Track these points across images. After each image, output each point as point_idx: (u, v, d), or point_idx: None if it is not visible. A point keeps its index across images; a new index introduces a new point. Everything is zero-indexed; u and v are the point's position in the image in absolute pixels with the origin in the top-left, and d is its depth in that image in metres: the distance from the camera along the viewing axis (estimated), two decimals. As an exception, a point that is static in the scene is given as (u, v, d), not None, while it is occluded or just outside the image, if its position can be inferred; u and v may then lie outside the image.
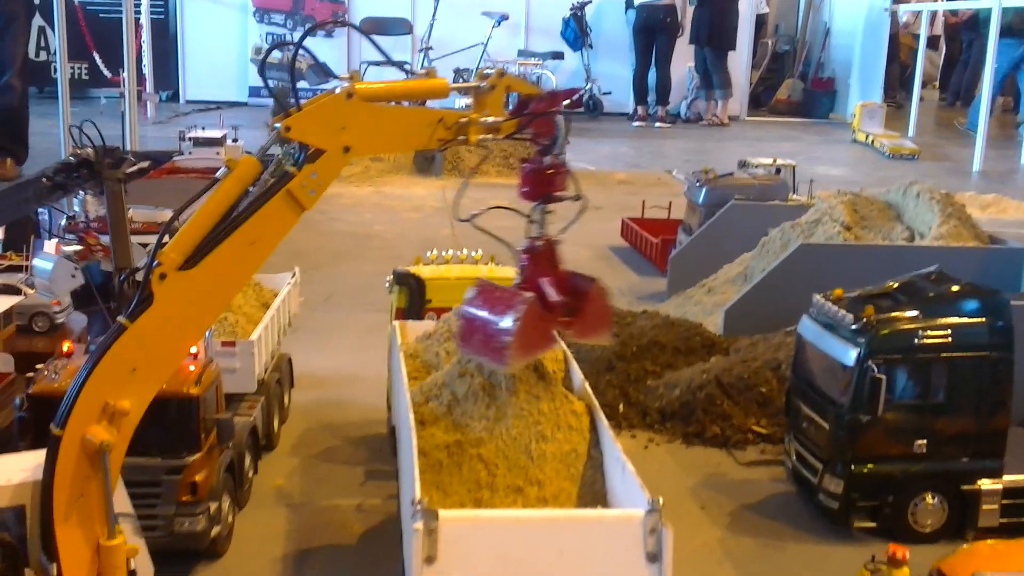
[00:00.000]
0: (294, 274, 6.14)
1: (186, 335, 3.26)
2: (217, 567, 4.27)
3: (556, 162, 3.88)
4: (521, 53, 20.48)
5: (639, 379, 6.01)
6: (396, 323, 4.80)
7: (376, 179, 12.98)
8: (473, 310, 3.68)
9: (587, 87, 20.43)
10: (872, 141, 17.03)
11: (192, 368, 4.21)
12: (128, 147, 13.56)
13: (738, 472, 5.43)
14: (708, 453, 5.62)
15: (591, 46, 20.98)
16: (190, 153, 12.33)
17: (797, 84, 22.33)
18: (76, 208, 7.66)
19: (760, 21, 22.53)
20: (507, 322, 3.51)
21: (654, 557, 2.94)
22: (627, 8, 20.29)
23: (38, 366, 5.15)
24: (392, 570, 4.23)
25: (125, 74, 14.56)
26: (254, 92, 20.95)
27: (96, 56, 18.53)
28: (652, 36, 19.79)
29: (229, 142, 12.67)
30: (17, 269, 6.44)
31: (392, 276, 5.40)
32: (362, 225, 10.76)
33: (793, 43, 23.49)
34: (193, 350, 4.25)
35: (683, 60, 20.35)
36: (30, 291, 6.09)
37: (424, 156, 13.55)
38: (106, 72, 17.96)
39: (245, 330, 5.39)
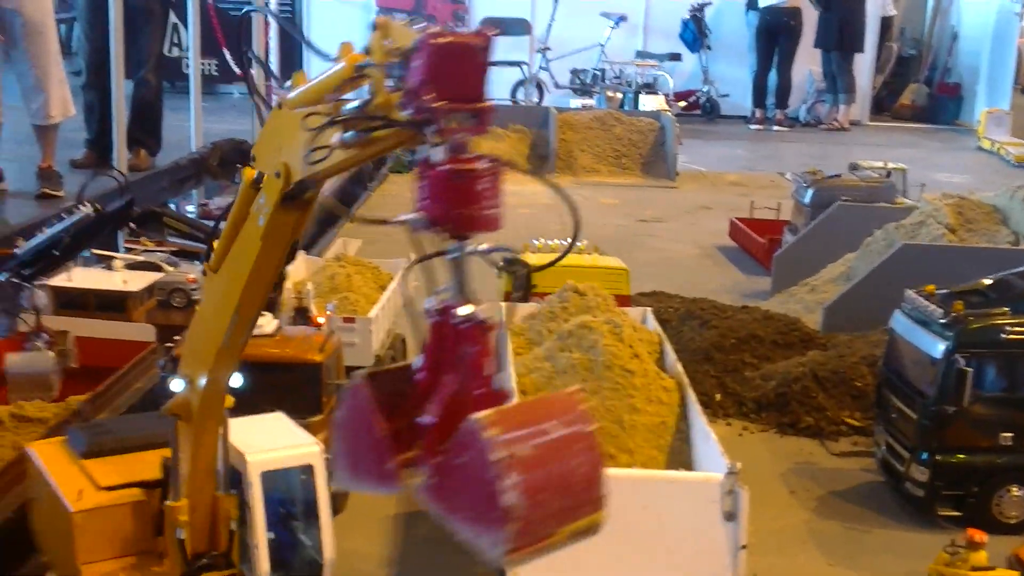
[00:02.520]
0: (409, 259, 6.52)
1: (215, 330, 3.09)
2: (336, 522, 4.66)
3: (473, 162, 2.27)
4: (639, 54, 20.63)
5: (736, 370, 6.22)
6: (503, 304, 5.13)
7: (492, 175, 13.36)
8: (526, 464, 2.02)
9: (704, 89, 20.49)
10: (998, 149, 16.69)
11: (317, 337, 4.61)
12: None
13: (829, 461, 5.60)
14: (801, 443, 5.80)
15: (710, 48, 21.01)
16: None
17: (922, 89, 21.92)
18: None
19: (885, 24, 22.16)
20: (591, 447, 2.13)
21: (731, 516, 3.19)
22: (748, 10, 20.24)
23: (176, 337, 5.68)
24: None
25: (254, 70, 15.27)
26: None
27: (226, 53, 19.40)
28: (774, 38, 19.72)
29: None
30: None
31: (501, 262, 5.73)
32: (476, 219, 11.13)
33: (919, 47, 23.07)
34: (321, 321, 4.66)
35: (804, 63, 20.22)
36: (170, 269, 6.63)
37: (537, 154, 13.91)
38: (235, 68, 18.78)
39: (364, 309, 5.78)
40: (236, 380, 3.20)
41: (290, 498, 3.37)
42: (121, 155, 11.43)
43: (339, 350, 4.80)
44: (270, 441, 3.41)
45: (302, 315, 5.18)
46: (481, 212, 2.30)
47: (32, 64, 10.64)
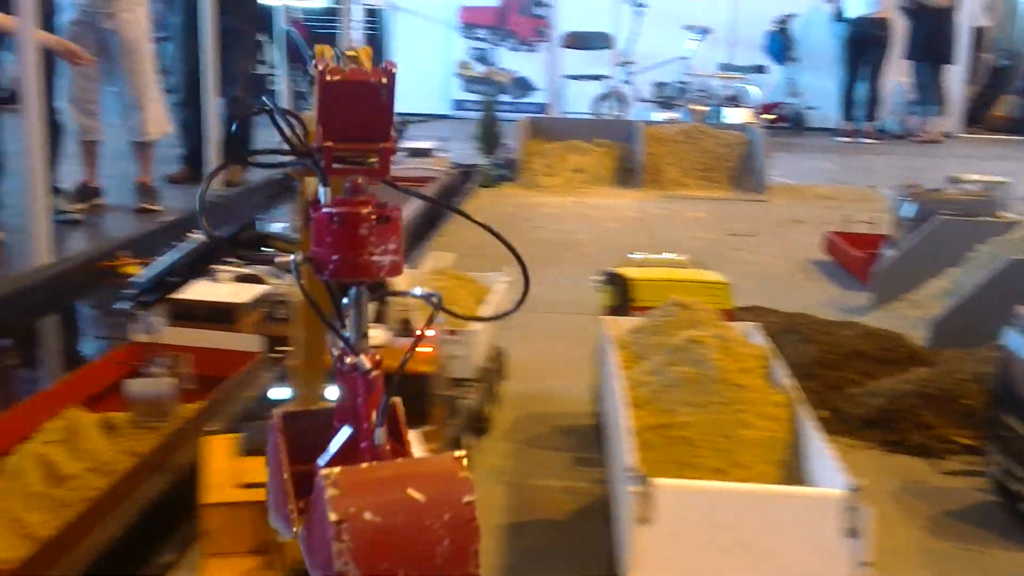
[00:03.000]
0: (507, 273, 6.56)
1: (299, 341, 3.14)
2: (441, 530, 4.71)
3: (360, 207, 2.12)
4: (723, 67, 20.55)
5: (839, 387, 6.12)
6: (606, 317, 5.14)
7: (578, 190, 13.40)
8: (368, 528, 1.95)
9: (791, 101, 20.30)
10: (1098, 162, 16.26)
11: (425, 349, 4.66)
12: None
13: (939, 480, 5.48)
14: (908, 461, 5.68)
15: (796, 59, 20.82)
16: (400, 163, 13.13)
17: (1016, 100, 21.46)
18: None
19: (978, 35, 21.77)
20: (464, 515, 2.00)
21: (853, 533, 3.15)
22: (836, 20, 20.03)
23: (279, 348, 5.82)
24: (599, 543, 4.57)
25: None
26: (457, 105, 21.80)
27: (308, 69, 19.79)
28: (863, 49, 19.50)
29: (437, 153, 13.42)
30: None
31: (601, 276, 5.75)
32: (564, 233, 11.18)
33: (1013, 58, 22.59)
34: (431, 333, 4.71)
35: (893, 74, 19.93)
36: (274, 281, 6.77)
37: (623, 167, 13.92)
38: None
39: (463, 322, 5.83)
40: (331, 392, 3.28)
41: None
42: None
43: (446, 362, 4.85)
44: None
45: (406, 328, 5.24)
46: (361, 259, 2.12)
47: (129, 83, 11.01)
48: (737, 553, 3.28)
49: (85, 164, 10.88)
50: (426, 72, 21.52)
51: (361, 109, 2.12)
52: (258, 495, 3.44)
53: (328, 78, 2.09)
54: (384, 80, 2.11)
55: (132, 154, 11.15)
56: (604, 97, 20.19)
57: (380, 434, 2.12)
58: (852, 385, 6.12)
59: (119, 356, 6.31)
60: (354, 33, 18.86)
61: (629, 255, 6.00)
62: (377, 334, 4.76)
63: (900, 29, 19.44)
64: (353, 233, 2.11)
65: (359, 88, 2.10)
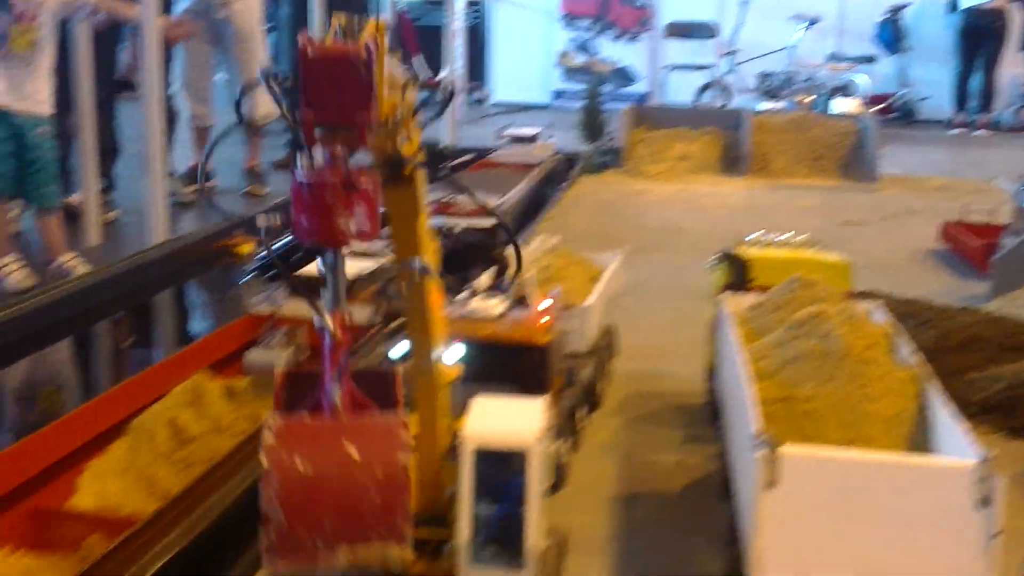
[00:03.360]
0: (619, 254, 6.59)
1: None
2: (559, 498, 4.76)
3: (334, 176, 2.26)
4: (831, 57, 20.17)
5: (959, 372, 6.00)
6: (725, 294, 5.13)
7: (683, 177, 13.32)
8: (298, 475, 2.12)
9: (901, 92, 19.85)
10: None
11: (543, 321, 4.72)
12: (448, 143, 14.68)
13: (1062, 468, 5.34)
14: (1030, 448, 5.56)
15: (907, 50, 20.34)
16: (506, 149, 13.22)
17: None
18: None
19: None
20: (396, 473, 2.15)
21: (984, 503, 3.11)
22: (950, 11, 19.51)
23: (395, 322, 5.96)
24: (713, 517, 4.58)
25: (446, 75, 15.77)
26: (557, 95, 21.79)
27: (415, 60, 20.06)
28: (978, 41, 18.96)
29: (542, 139, 13.47)
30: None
31: (717, 255, 5.73)
32: (670, 220, 11.14)
33: None
34: (547, 304, 4.78)
35: (1009, 66, 19.34)
36: (388, 257, 6.91)
37: (729, 156, 13.79)
38: (421, 76, 19.37)
39: (576, 300, 5.88)
40: (449, 355, 3.39)
41: (505, 479, 3.43)
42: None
43: (563, 334, 4.91)
44: (498, 422, 3.49)
45: (522, 303, 5.31)
46: (327, 224, 2.24)
47: (241, 70, 11.30)
48: (864, 522, 3.25)
49: (197, 149, 11.21)
50: (526, 62, 21.61)
51: (341, 82, 2.20)
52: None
53: (308, 53, 2.19)
54: (363, 56, 2.21)
55: (242, 139, 11.44)
56: (707, 87, 20.00)
57: (334, 391, 2.23)
58: (972, 370, 5.99)
59: (240, 327, 6.51)
60: (456, 24, 19.01)
61: (751, 236, 5.97)
62: (496, 305, 4.85)
63: (1017, 20, 18.88)
64: (319, 200, 2.24)
65: (338, 63, 2.19)
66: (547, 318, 4.79)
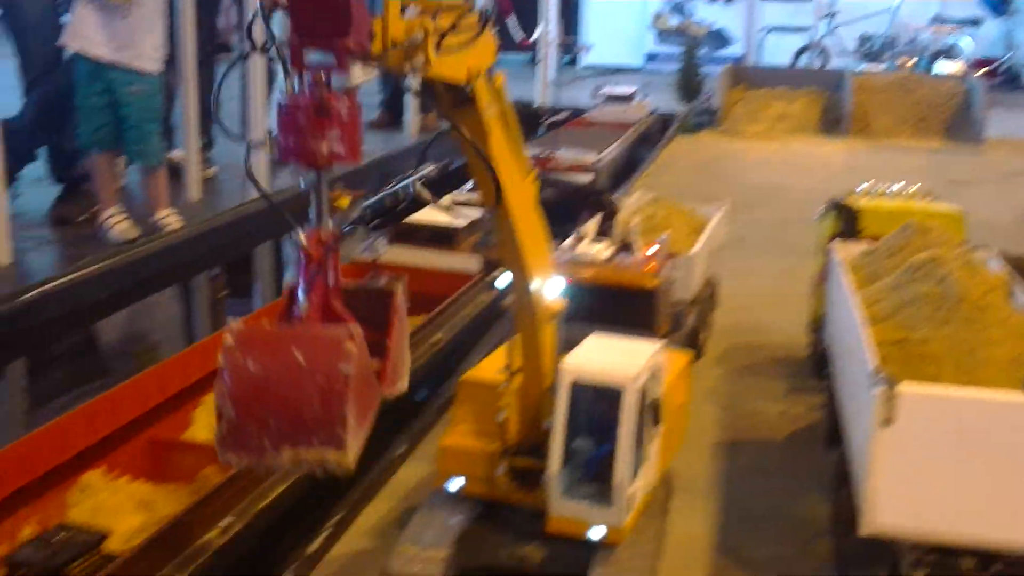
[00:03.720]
0: (723, 205, 6.53)
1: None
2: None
3: (327, 98, 2.34)
4: (935, 19, 19.59)
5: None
6: (835, 243, 5.07)
7: (782, 138, 13.14)
8: (247, 376, 2.19)
9: (1007, 56, 19.21)
10: None
11: (651, 266, 4.73)
12: (540, 103, 14.66)
13: None
14: None
15: (1014, 13, 19.65)
16: (601, 108, 13.14)
17: None
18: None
19: None
20: (335, 380, 2.16)
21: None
22: (1061, -30, 18.80)
23: (496, 271, 5.99)
24: (817, 466, 4.56)
25: (539, 37, 15.71)
26: (650, 58, 21.52)
27: (510, 21, 19.98)
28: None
29: (638, 99, 13.36)
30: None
31: (826, 205, 5.66)
32: (769, 180, 11.00)
33: None
34: (655, 250, 4.79)
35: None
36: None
37: (830, 117, 13.54)
38: (514, 36, 19.27)
39: (680, 250, 5.86)
40: (549, 289, 3.41)
41: (601, 416, 3.43)
42: (413, 116, 12.12)
43: (671, 279, 4.91)
44: (599, 357, 3.51)
45: (627, 249, 5.32)
46: (302, 144, 2.30)
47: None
48: (981, 460, 3.21)
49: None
50: (620, 25, 21.41)
51: (321, 9, 2.24)
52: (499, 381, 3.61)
53: None
54: None
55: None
56: (804, 50, 19.59)
57: (302, 301, 2.31)
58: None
59: (347, 274, 6.62)
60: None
61: (861, 187, 5.87)
62: (602, 251, 4.87)
63: None
64: (293, 121, 2.31)
65: None
66: (655, 264, 4.80)
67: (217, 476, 4.52)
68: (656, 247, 4.88)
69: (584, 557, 3.43)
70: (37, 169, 7.59)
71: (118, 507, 4.35)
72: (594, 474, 3.42)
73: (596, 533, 3.40)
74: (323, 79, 2.34)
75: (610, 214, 4.91)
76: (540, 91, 15.02)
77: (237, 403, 2.17)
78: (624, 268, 4.69)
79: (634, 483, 3.43)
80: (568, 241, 5.10)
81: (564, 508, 3.42)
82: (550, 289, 3.45)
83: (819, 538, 4.10)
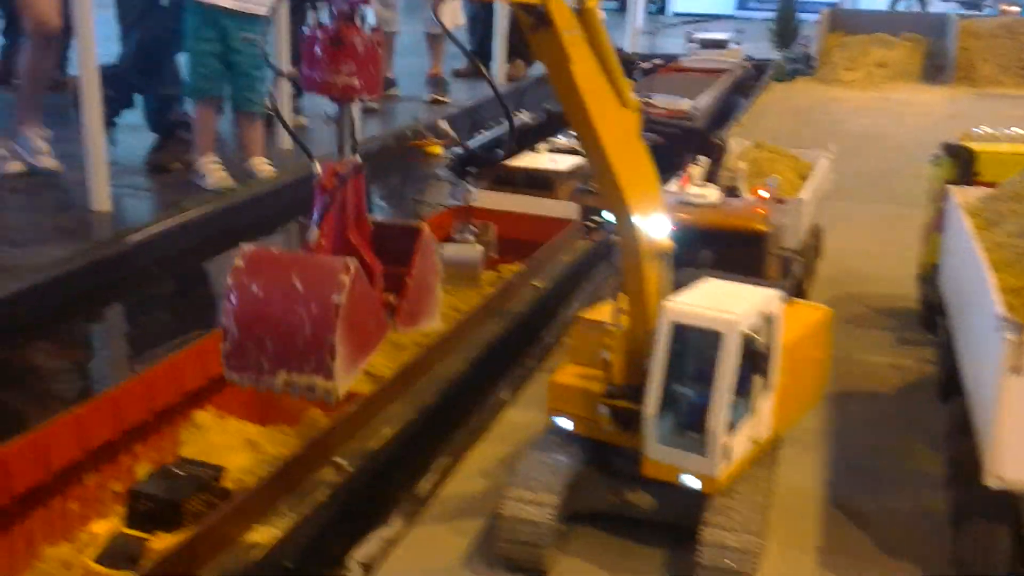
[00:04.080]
0: (830, 149, 6.35)
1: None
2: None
3: (341, 33, 2.36)
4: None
5: None
6: (952, 188, 4.88)
7: (880, 85, 12.75)
8: (250, 299, 2.24)
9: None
10: None
11: (760, 209, 4.62)
12: (629, 50, 14.42)
13: None
14: None
15: None
16: (695, 54, 12.86)
17: None
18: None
19: None
20: (327, 310, 2.19)
21: None
22: None
23: (594, 218, 5.95)
24: (929, 419, 4.44)
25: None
26: (742, 5, 21.04)
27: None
28: None
29: (732, 46, 13.05)
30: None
31: (941, 148, 5.45)
32: (869, 127, 10.69)
33: None
34: (764, 194, 4.67)
35: None
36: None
37: (933, 63, 13.09)
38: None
39: (786, 193, 5.71)
40: (653, 226, 3.32)
41: (707, 361, 3.31)
42: (500, 66, 12.02)
43: (780, 225, 4.79)
44: (706, 300, 3.40)
45: (732, 193, 5.21)
46: (319, 76, 2.36)
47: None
48: None
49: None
50: (711, -28, 21.01)
51: None
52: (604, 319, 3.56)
53: None
54: None
55: (425, 47, 11.49)
56: (903, -4, 18.97)
57: (312, 231, 2.33)
58: None
59: (440, 220, 6.61)
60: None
61: (977, 130, 5.65)
62: (710, 194, 4.77)
63: None
64: (311, 53, 2.38)
65: None
66: (765, 208, 4.68)
67: (322, 418, 4.57)
68: (766, 191, 4.76)
69: (694, 506, 3.37)
70: (133, 116, 7.68)
71: (228, 446, 4.40)
72: (693, 421, 3.33)
73: (689, 481, 3.33)
74: (347, 12, 2.38)
75: (718, 156, 4.79)
76: (630, 38, 14.78)
77: (240, 323, 2.23)
78: (733, 212, 4.59)
79: (733, 434, 3.32)
80: (672, 183, 5.00)
81: (659, 453, 3.36)
82: (654, 226, 3.35)
83: (933, 491, 3.99)
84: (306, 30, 2.40)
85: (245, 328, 2.22)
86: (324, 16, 2.44)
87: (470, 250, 5.57)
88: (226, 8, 6.70)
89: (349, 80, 2.36)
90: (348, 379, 2.24)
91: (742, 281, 3.64)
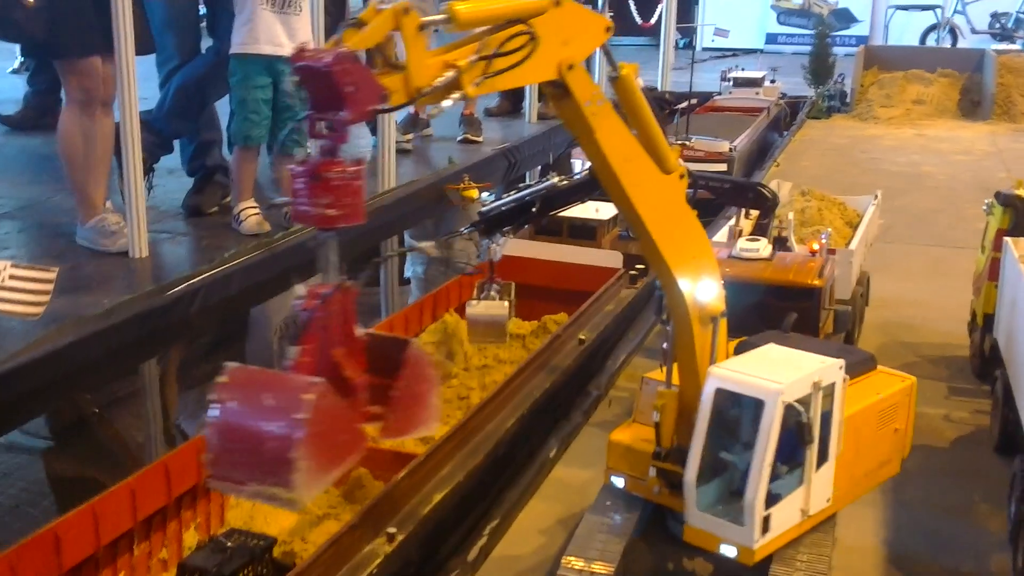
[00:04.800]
0: (876, 196, 6.27)
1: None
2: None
3: (323, 167, 2.45)
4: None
5: None
6: (1008, 240, 4.79)
7: (918, 122, 12.65)
8: (228, 414, 2.37)
9: None
10: None
11: (813, 263, 4.55)
12: (662, 88, 14.38)
13: None
14: None
15: None
16: (730, 92, 12.82)
17: None
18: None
19: None
20: (288, 428, 2.29)
21: None
22: None
23: (638, 266, 5.90)
24: (989, 473, 4.34)
25: (661, 19, 15.42)
26: (771, 39, 21.04)
27: (631, 4, 19.64)
28: None
29: (767, 83, 13.00)
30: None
31: (995, 198, 5.36)
32: (909, 166, 10.59)
33: None
34: (816, 247, 4.60)
35: None
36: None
37: (969, 99, 12.99)
38: (638, 19, 18.95)
39: (834, 242, 5.64)
40: (703, 291, 3.26)
41: (747, 427, 3.24)
42: (532, 105, 12.01)
43: (833, 276, 4.72)
44: (756, 366, 3.30)
45: (781, 244, 5.14)
46: (314, 210, 2.45)
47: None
48: None
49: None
50: (739, 5, 20.98)
51: (319, 86, 2.42)
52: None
53: (296, 60, 2.42)
54: (332, 65, 2.37)
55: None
56: (933, 28, 18.89)
57: (292, 350, 2.45)
58: None
59: (471, 280, 6.51)
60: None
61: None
62: (761, 248, 4.70)
63: None
64: (296, 186, 2.48)
65: (311, 71, 2.42)
66: (818, 261, 4.61)
67: (368, 478, 4.52)
68: (820, 243, 4.69)
69: (754, 574, 3.28)
70: (170, 160, 7.71)
71: (273, 509, 4.37)
72: (734, 490, 3.26)
73: (727, 550, 3.24)
74: (329, 148, 2.48)
75: (770, 208, 4.73)
76: (662, 75, 14.76)
77: (220, 436, 2.37)
78: (787, 266, 4.52)
79: (776, 505, 3.22)
80: (721, 236, 4.94)
81: (699, 520, 3.29)
82: (703, 291, 3.30)
83: (995, 550, 3.89)
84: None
85: (224, 441, 2.36)
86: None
87: (496, 307, 5.48)
88: (282, 56, 6.73)
89: (327, 212, 2.48)
90: (315, 489, 2.38)
91: (814, 347, 3.54)
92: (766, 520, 3.20)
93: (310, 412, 2.27)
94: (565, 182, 5.56)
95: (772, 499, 3.21)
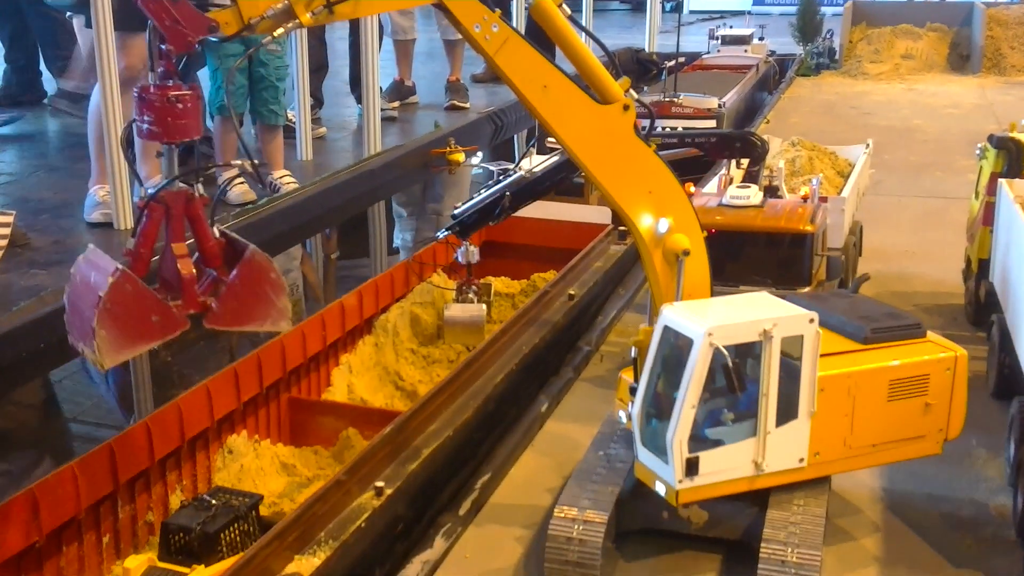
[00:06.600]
0: (868, 145, 6.19)
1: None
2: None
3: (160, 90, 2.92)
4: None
5: None
6: (1003, 181, 4.71)
7: (907, 77, 12.55)
8: (73, 286, 2.97)
9: None
10: None
11: (805, 209, 4.47)
12: (649, 49, 14.24)
13: None
14: None
15: None
16: (718, 51, 12.70)
17: None
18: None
19: None
20: (93, 302, 2.82)
21: None
22: None
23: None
24: (987, 416, 4.29)
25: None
26: (759, 1, 20.86)
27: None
28: None
29: (755, 40, 12.89)
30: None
31: (988, 141, 5.27)
32: (899, 120, 10.51)
33: None
34: (806, 191, 4.52)
35: None
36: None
37: (958, 53, 12.89)
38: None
39: (825, 191, 5.55)
40: (663, 226, 3.22)
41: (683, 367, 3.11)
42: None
43: (825, 223, 4.64)
44: (710, 310, 3.19)
45: (772, 193, 5.05)
46: (156, 128, 2.96)
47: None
48: None
49: (400, 64, 11.08)
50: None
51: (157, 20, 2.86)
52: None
53: None
54: None
55: (443, 52, 11.33)
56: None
57: (130, 240, 2.97)
58: None
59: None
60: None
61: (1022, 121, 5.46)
62: (752, 195, 4.62)
63: None
64: (149, 106, 3.00)
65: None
66: (809, 208, 4.53)
67: (358, 439, 4.45)
68: (811, 189, 4.61)
69: (751, 521, 3.22)
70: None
71: (261, 470, 4.31)
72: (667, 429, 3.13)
73: (660, 488, 3.19)
74: (163, 74, 2.95)
75: (759, 156, 4.64)
76: (649, 38, 14.63)
77: (68, 302, 2.97)
78: (778, 213, 4.44)
79: (717, 451, 3.14)
80: (711, 185, 4.86)
81: (644, 456, 3.25)
82: (664, 227, 3.23)
83: (993, 495, 3.85)
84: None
85: (69, 306, 2.95)
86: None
87: (473, 309, 5.41)
88: None
89: (166, 127, 2.98)
90: (118, 356, 2.87)
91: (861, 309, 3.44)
92: (693, 463, 3.10)
93: (107, 291, 2.80)
94: (531, 173, 5.46)
95: (708, 443, 3.13)
